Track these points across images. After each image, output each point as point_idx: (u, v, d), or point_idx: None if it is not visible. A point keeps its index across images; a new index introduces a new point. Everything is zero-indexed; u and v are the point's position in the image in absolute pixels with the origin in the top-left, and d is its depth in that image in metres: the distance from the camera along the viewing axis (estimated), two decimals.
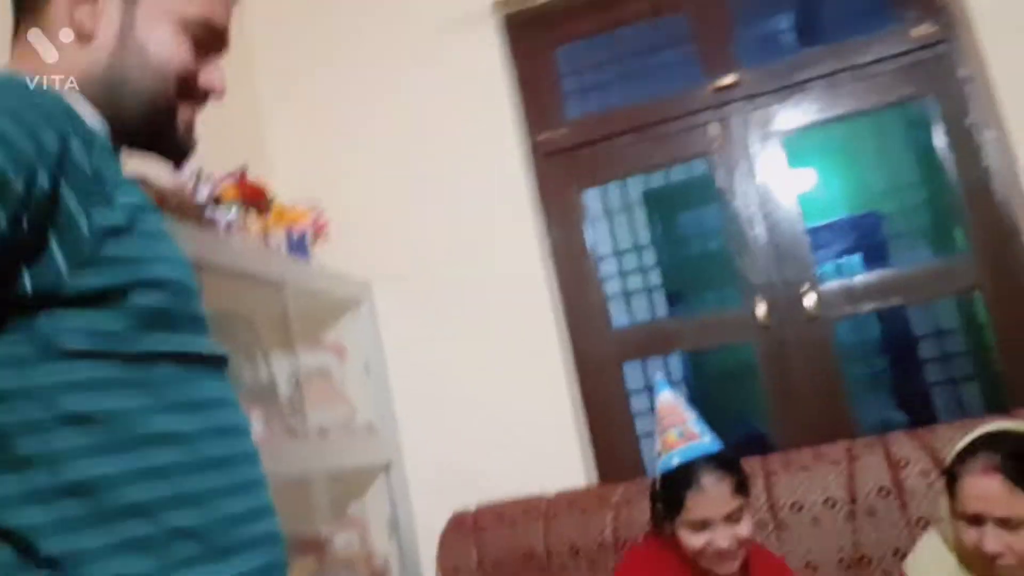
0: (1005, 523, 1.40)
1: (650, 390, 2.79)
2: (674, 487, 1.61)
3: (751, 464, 1.95)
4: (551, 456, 2.30)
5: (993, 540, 1.40)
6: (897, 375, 4.28)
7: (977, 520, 1.43)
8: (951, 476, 1.50)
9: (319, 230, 2.48)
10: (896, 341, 4.19)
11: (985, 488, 1.42)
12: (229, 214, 2.07)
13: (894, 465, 1.89)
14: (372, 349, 2.41)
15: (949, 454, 1.55)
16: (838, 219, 4.50)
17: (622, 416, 2.41)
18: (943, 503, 1.55)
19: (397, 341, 2.45)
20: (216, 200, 2.07)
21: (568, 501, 2.10)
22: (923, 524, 1.79)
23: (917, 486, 1.85)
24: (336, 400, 2.22)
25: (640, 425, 2.47)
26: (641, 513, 1.97)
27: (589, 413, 2.40)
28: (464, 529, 2.14)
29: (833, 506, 1.89)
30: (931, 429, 1.96)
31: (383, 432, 2.33)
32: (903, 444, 1.92)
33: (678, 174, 4.32)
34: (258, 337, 2.21)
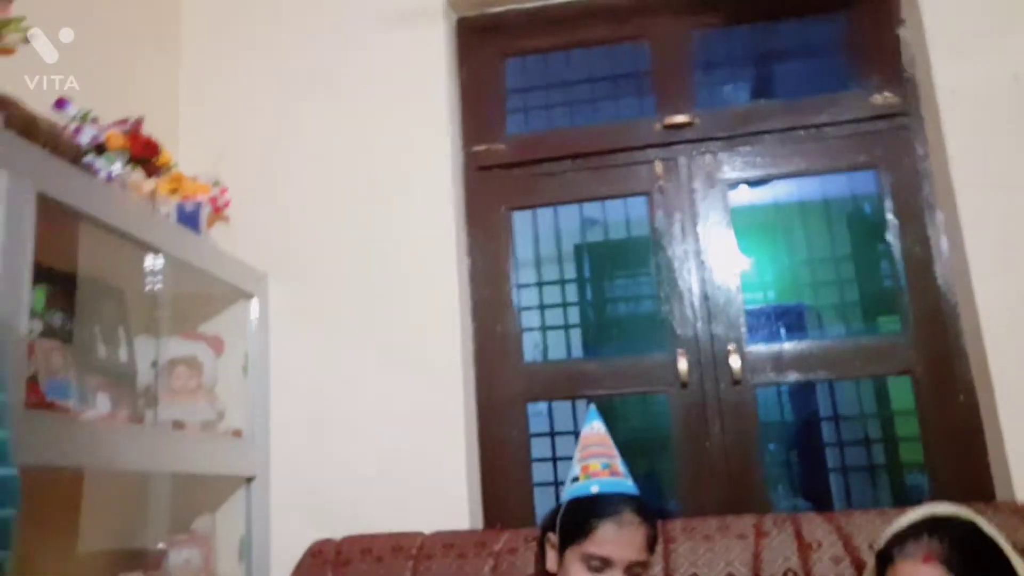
0: None
1: (551, 436, 2.59)
2: (586, 513, 1.43)
3: None
4: (435, 494, 2.06)
5: None
6: (804, 459, 4.14)
7: None
8: (884, 558, 1.32)
9: (219, 209, 2.25)
10: (807, 423, 4.07)
11: None
12: (112, 165, 1.82)
13: (804, 547, 1.72)
14: (256, 348, 2.15)
15: (884, 533, 1.37)
16: (765, 306, 4.40)
17: (520, 459, 2.20)
18: None
19: (284, 344, 2.20)
20: (100, 148, 1.83)
21: (445, 542, 1.86)
22: None
23: (827, 572, 1.67)
24: (201, 396, 1.96)
25: (538, 473, 2.25)
26: (525, 565, 1.75)
27: (484, 452, 2.18)
28: (324, 560, 1.88)
29: None
30: (847, 513, 1.80)
31: (252, 441, 2.07)
32: (816, 525, 1.75)
33: (617, 231, 4.21)
34: (124, 310, 1.95)
